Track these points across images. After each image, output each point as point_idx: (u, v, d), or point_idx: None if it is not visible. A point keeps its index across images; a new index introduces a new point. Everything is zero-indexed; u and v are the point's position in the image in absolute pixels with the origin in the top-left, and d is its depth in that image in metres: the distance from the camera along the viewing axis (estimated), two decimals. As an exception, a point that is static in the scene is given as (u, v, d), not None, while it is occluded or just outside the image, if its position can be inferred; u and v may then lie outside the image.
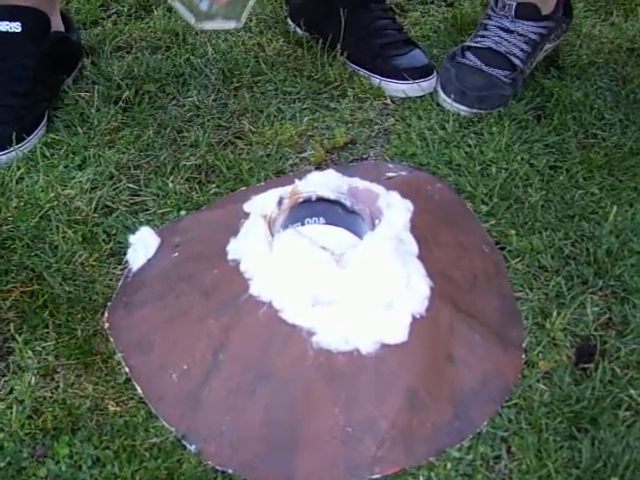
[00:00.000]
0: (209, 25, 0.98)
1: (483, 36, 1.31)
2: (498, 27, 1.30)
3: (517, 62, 1.29)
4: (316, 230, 0.91)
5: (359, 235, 0.91)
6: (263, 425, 0.82)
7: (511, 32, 1.29)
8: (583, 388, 0.88)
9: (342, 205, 0.94)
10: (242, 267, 0.89)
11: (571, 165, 1.17)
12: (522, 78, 1.31)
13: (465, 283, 0.96)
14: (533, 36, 1.30)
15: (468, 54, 1.30)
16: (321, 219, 0.93)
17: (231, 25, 0.98)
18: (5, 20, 1.20)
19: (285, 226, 0.92)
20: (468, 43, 1.32)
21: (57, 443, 0.82)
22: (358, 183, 0.95)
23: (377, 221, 0.90)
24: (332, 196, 0.94)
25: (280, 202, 0.93)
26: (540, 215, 1.08)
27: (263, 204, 0.93)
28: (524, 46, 1.29)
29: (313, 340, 0.83)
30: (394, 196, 0.91)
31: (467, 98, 1.26)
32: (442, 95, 1.28)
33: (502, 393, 0.87)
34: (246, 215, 0.95)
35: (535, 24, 1.30)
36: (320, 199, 0.94)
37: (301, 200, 0.94)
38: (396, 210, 0.89)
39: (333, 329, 0.84)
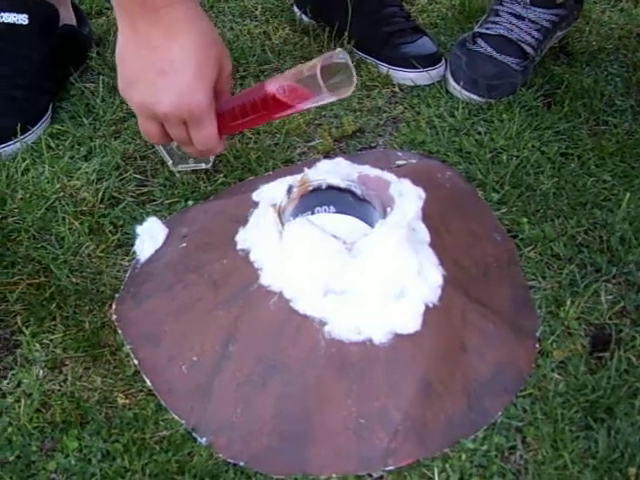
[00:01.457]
0: (182, 167, 1.06)
1: (494, 22, 1.29)
2: (510, 13, 1.28)
3: (529, 50, 1.27)
4: (327, 219, 0.89)
5: (370, 224, 0.90)
6: (274, 417, 0.81)
7: (523, 19, 1.28)
8: (598, 377, 0.86)
9: (353, 193, 0.92)
10: (252, 257, 0.87)
11: (582, 152, 1.16)
12: (532, 66, 1.30)
13: (477, 272, 0.95)
14: (545, 23, 1.28)
15: (479, 41, 1.28)
16: (331, 208, 0.92)
17: (201, 166, 1.07)
18: (12, 12, 1.19)
19: (295, 215, 0.90)
20: (479, 30, 1.30)
21: (66, 436, 0.81)
22: (369, 171, 0.93)
23: (389, 209, 0.88)
24: (342, 184, 0.92)
25: (289, 191, 0.91)
26: (552, 203, 1.07)
27: (272, 193, 0.92)
28: (536, 33, 1.28)
29: (325, 330, 0.82)
30: (406, 184, 0.90)
31: (478, 86, 1.25)
32: (452, 83, 1.27)
33: (516, 383, 0.86)
34: (255, 204, 0.93)
35: (548, 11, 1.28)
36: (330, 187, 0.92)
37: (311, 189, 0.92)
38: (408, 198, 0.88)
39: (345, 319, 0.82)
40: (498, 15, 1.30)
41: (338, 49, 0.86)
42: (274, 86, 0.88)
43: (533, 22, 1.28)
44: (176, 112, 0.89)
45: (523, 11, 1.28)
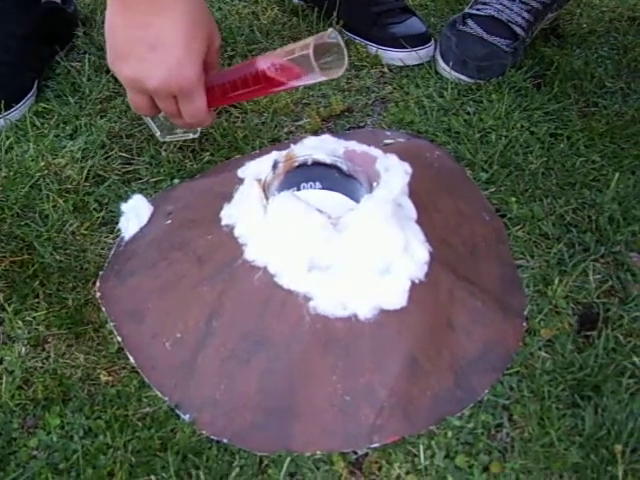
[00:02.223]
0: (170, 137, 1.06)
1: (485, 3, 1.28)
2: None
3: (519, 31, 1.26)
4: (312, 195, 0.88)
5: (357, 200, 0.88)
6: (259, 393, 0.80)
7: (513, 0, 1.27)
8: (586, 356, 0.86)
9: (339, 169, 0.91)
10: (236, 232, 0.86)
11: (572, 133, 1.15)
12: (523, 47, 1.29)
13: (465, 250, 0.94)
14: (536, 4, 1.27)
15: (469, 22, 1.27)
16: (317, 184, 0.91)
17: (189, 136, 1.06)
18: None
19: (280, 191, 0.89)
20: (469, 10, 1.29)
21: (48, 414, 0.81)
22: (355, 146, 0.92)
23: (375, 184, 0.87)
24: (328, 160, 0.91)
25: (275, 166, 0.90)
26: (541, 182, 1.06)
27: (257, 169, 0.91)
28: (526, 15, 1.26)
29: (310, 306, 0.81)
30: (392, 159, 0.89)
31: (467, 67, 1.24)
32: (442, 63, 1.26)
33: (503, 361, 0.86)
34: (240, 181, 0.92)
35: None
36: (316, 163, 0.91)
37: (296, 164, 0.91)
38: (394, 173, 0.87)
39: (330, 294, 0.81)
40: None
41: (330, 29, 0.85)
42: (265, 63, 0.87)
43: (524, 3, 1.27)
44: (166, 87, 0.88)
45: None
